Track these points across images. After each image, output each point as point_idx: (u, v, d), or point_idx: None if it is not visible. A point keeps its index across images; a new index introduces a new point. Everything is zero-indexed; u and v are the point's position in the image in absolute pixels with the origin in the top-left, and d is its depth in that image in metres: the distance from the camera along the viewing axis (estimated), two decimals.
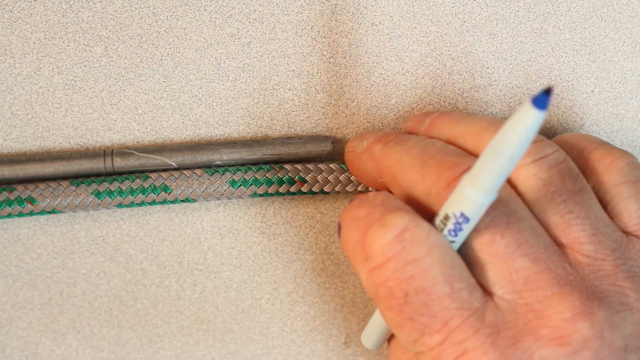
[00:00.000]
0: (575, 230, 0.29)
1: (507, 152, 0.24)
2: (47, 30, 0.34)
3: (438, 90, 0.36)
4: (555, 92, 0.36)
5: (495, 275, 0.28)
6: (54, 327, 0.38)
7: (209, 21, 0.35)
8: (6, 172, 0.34)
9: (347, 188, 0.35)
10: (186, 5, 0.35)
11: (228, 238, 0.37)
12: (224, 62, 0.35)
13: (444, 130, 0.33)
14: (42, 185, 0.35)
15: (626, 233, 0.30)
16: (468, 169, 0.28)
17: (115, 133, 0.36)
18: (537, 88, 0.36)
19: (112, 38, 0.35)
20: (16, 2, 0.34)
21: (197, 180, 0.35)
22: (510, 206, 0.28)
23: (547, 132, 0.37)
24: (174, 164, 0.35)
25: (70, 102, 0.35)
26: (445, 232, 0.27)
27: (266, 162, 0.35)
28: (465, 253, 0.28)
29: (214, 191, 0.35)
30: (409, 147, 0.31)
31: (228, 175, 0.35)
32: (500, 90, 0.36)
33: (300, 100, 0.36)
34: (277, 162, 0.35)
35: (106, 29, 0.35)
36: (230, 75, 0.35)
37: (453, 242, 0.28)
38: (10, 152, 0.35)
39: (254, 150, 0.35)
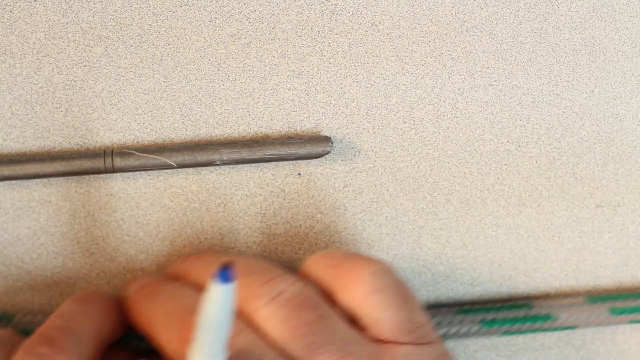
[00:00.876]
0: (322, 359, 0.29)
1: (212, 324, 0.26)
2: (47, 30, 0.34)
3: (438, 90, 0.36)
4: (555, 92, 0.36)
5: None
6: None
7: (209, 21, 0.35)
8: (6, 172, 0.34)
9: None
10: (186, 5, 0.35)
11: (228, 238, 0.37)
12: (224, 62, 0.35)
13: (198, 276, 0.33)
14: None
15: (382, 341, 0.30)
16: None
17: (115, 133, 0.36)
18: (537, 88, 0.36)
19: (112, 38, 0.35)
20: (16, 2, 0.34)
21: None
22: (254, 353, 0.29)
23: (547, 133, 0.37)
24: (174, 164, 0.35)
25: (70, 102, 0.35)
26: None
27: (266, 162, 0.36)
28: None
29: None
30: (158, 307, 0.32)
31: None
32: (500, 90, 0.36)
33: (300, 100, 0.36)
34: (277, 161, 0.36)
35: (106, 29, 0.35)
36: (230, 75, 0.35)
37: None
38: (10, 152, 0.35)
39: (254, 150, 0.35)
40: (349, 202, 0.37)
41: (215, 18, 0.35)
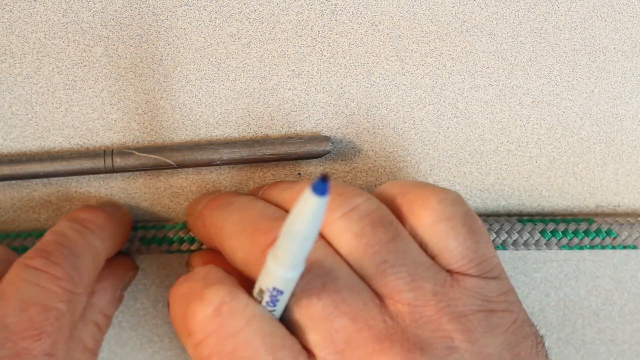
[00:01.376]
0: (392, 280, 0.28)
1: (299, 234, 0.25)
2: (47, 30, 0.34)
3: (438, 90, 0.36)
4: (555, 92, 0.36)
5: (316, 337, 0.28)
6: None
7: (209, 21, 0.35)
8: (6, 171, 0.34)
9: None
10: (186, 5, 0.35)
11: None
12: (224, 62, 0.35)
13: (274, 197, 0.33)
14: None
15: (450, 272, 0.30)
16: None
17: (115, 133, 0.35)
18: (537, 88, 0.36)
19: (112, 38, 0.35)
20: (16, 2, 0.34)
21: None
22: (325, 266, 0.28)
23: (547, 133, 0.37)
24: (173, 164, 0.35)
25: (70, 102, 0.35)
26: (264, 303, 0.28)
27: (266, 162, 0.36)
28: (286, 318, 0.28)
29: None
30: (230, 214, 0.31)
31: None
32: (500, 90, 0.36)
33: (300, 100, 0.36)
34: (277, 161, 0.36)
35: (106, 29, 0.35)
36: (230, 75, 0.35)
37: (273, 311, 0.28)
38: (10, 152, 0.35)
39: (254, 150, 0.35)
40: None
41: (215, 18, 0.35)
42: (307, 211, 0.24)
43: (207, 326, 0.27)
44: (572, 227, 0.36)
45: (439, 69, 0.36)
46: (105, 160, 0.34)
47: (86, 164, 0.35)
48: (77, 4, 0.34)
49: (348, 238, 0.29)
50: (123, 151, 0.35)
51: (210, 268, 0.29)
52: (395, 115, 0.36)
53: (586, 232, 0.36)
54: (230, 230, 0.31)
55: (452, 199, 0.30)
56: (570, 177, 0.38)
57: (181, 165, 0.35)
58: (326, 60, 0.35)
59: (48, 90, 0.35)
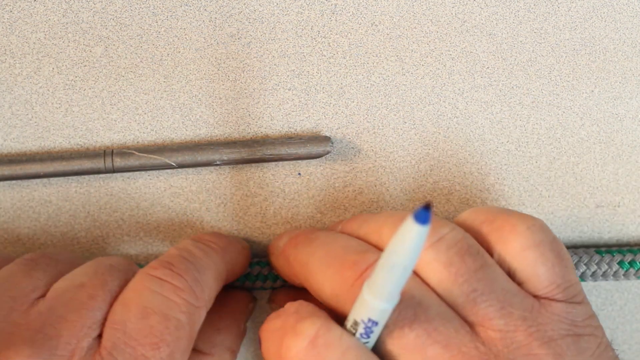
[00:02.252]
0: (482, 307, 0.29)
1: (400, 265, 0.25)
2: (47, 30, 0.34)
3: (438, 90, 0.36)
4: (555, 92, 0.36)
5: None
6: None
7: (209, 21, 0.35)
8: (6, 171, 0.34)
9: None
10: (186, 5, 0.35)
11: None
12: (224, 62, 0.35)
13: (355, 231, 0.33)
14: None
15: (537, 297, 0.30)
16: (368, 267, 0.29)
17: (115, 133, 0.36)
18: (537, 88, 0.36)
19: (112, 38, 0.35)
20: (16, 2, 0.34)
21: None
22: (415, 296, 0.29)
23: (547, 133, 0.37)
24: (174, 164, 0.35)
25: (70, 102, 0.35)
26: (358, 335, 0.28)
27: (266, 162, 0.36)
28: (379, 350, 0.28)
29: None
30: (315, 249, 0.32)
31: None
32: (500, 90, 0.36)
33: (300, 100, 0.36)
34: (277, 161, 0.36)
35: (106, 29, 0.35)
36: (230, 75, 0.35)
37: (367, 343, 0.28)
38: (11, 152, 0.35)
39: (254, 151, 0.35)
40: (349, 202, 0.37)
41: (215, 18, 0.35)
42: (409, 240, 0.24)
43: (303, 359, 0.28)
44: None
45: (439, 69, 0.36)
46: (105, 160, 0.34)
47: (86, 164, 0.35)
48: (77, 4, 0.34)
49: (437, 268, 0.29)
50: (123, 151, 0.35)
51: (301, 303, 0.30)
52: (395, 115, 0.36)
53: None
54: (317, 266, 0.31)
55: (540, 226, 0.31)
56: (570, 177, 0.38)
57: (181, 166, 0.35)
58: (326, 60, 0.35)
59: (48, 90, 0.35)
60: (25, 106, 0.35)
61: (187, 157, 0.35)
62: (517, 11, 0.35)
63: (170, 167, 0.35)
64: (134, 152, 0.35)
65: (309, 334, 0.28)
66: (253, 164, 0.36)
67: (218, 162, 0.35)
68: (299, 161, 0.36)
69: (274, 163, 0.36)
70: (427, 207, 0.23)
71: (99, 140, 0.36)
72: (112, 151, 0.35)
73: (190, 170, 0.36)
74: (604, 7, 0.36)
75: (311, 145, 0.35)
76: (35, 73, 0.35)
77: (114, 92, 0.35)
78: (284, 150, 0.35)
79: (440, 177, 0.37)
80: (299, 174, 0.37)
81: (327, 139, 0.35)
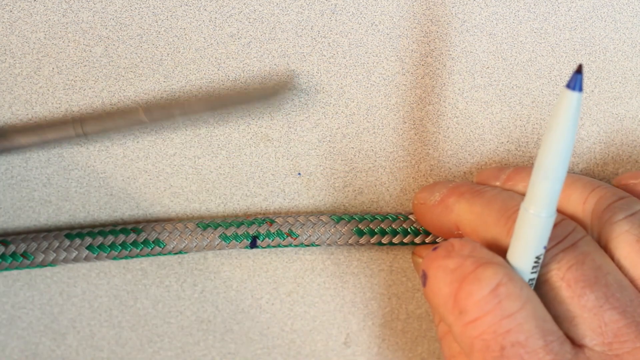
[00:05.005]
0: None
1: (560, 139, 0.25)
2: (47, 30, 0.34)
3: (438, 90, 0.36)
4: (555, 92, 0.36)
5: (586, 328, 0.29)
6: (54, 327, 0.38)
7: (209, 21, 0.35)
8: None
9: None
10: (186, 5, 0.35)
11: None
12: (224, 62, 0.35)
13: (521, 184, 0.34)
14: (37, 240, 0.35)
15: None
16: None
17: None
18: (537, 88, 0.36)
19: (112, 38, 0.35)
20: (16, 2, 0.34)
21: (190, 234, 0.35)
22: (596, 260, 0.29)
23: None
24: (146, 119, 0.34)
25: (70, 102, 0.35)
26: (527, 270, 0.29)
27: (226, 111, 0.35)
28: (555, 307, 0.29)
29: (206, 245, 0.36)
30: (489, 201, 0.32)
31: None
32: (500, 90, 0.36)
33: (300, 100, 0.36)
34: (238, 105, 0.35)
35: (106, 29, 0.35)
36: (230, 75, 0.35)
37: (533, 279, 0.29)
38: (11, 152, 0.35)
39: (215, 99, 0.35)
40: (349, 202, 0.37)
41: (215, 18, 0.35)
42: (566, 109, 0.24)
43: (484, 306, 0.28)
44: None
45: (439, 69, 0.36)
46: (75, 126, 0.34)
47: (56, 134, 0.34)
48: (77, 4, 0.34)
49: (628, 239, 0.30)
50: (92, 115, 0.35)
51: (475, 245, 0.30)
52: (395, 114, 0.36)
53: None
54: (494, 218, 0.31)
55: None
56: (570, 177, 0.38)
57: (153, 119, 0.34)
58: (326, 60, 0.35)
59: (48, 90, 0.35)
60: (25, 106, 0.35)
61: (157, 111, 0.34)
62: (517, 11, 0.35)
63: (142, 123, 0.34)
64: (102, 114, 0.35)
65: (492, 282, 0.28)
66: (250, 164, 0.36)
67: (178, 116, 0.34)
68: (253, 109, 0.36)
69: (277, 162, 0.36)
70: (579, 71, 0.23)
71: (99, 140, 0.36)
72: (81, 117, 0.35)
73: (190, 170, 0.36)
74: (604, 7, 0.36)
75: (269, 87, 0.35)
76: (35, 73, 0.35)
77: (114, 92, 0.35)
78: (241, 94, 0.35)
79: (441, 177, 0.37)
80: (299, 174, 0.37)
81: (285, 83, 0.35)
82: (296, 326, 0.39)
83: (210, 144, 0.36)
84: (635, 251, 0.30)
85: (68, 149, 0.36)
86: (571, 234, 0.30)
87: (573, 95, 0.24)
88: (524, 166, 0.36)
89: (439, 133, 0.37)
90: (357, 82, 0.36)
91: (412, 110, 0.36)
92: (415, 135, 0.36)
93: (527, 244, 0.28)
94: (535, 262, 0.29)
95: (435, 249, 0.30)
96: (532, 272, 0.29)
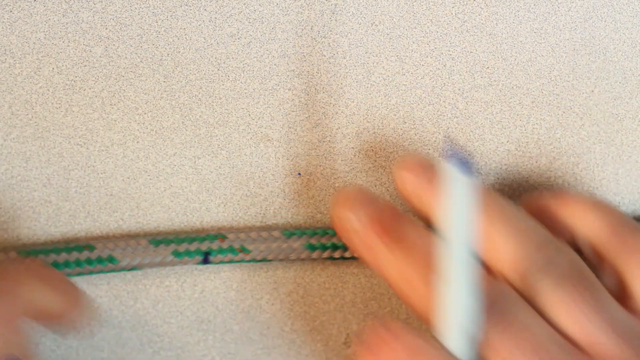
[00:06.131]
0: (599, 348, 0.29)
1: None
2: (47, 30, 0.34)
3: (438, 90, 0.36)
4: (555, 92, 0.36)
5: None
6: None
7: (209, 21, 0.35)
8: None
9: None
10: (186, 5, 0.35)
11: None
12: (224, 62, 0.35)
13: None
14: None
15: None
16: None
17: (115, 133, 0.35)
18: (537, 88, 0.36)
19: (112, 38, 0.35)
20: (16, 2, 0.34)
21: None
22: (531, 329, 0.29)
23: (547, 133, 0.37)
24: None
25: (70, 102, 0.35)
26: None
27: None
28: None
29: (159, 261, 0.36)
30: (410, 251, 0.31)
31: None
32: (500, 90, 0.36)
33: (300, 100, 0.36)
34: None
35: (106, 29, 0.35)
36: (230, 75, 0.35)
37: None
38: (11, 152, 0.35)
39: None
40: None
41: (215, 18, 0.35)
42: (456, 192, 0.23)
43: None
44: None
45: (439, 69, 0.36)
46: None
47: None
48: (77, 4, 0.34)
49: (552, 298, 0.29)
50: None
51: (405, 336, 0.29)
52: (395, 115, 0.36)
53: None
54: (417, 276, 0.30)
55: None
56: (570, 177, 0.38)
57: None
58: (326, 60, 0.35)
59: (48, 90, 0.35)
60: (25, 106, 0.35)
61: None
62: (517, 11, 0.35)
63: None
64: None
65: None
66: (250, 164, 0.36)
67: None
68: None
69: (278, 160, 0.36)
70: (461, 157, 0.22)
71: (99, 140, 0.36)
72: None
73: (190, 170, 0.36)
74: (604, 7, 0.36)
75: None
76: (35, 73, 0.35)
77: (114, 92, 0.35)
78: None
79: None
80: (299, 174, 0.36)
81: None
82: (296, 326, 0.39)
83: (210, 144, 0.36)
84: (567, 309, 0.29)
85: (68, 149, 0.36)
86: (500, 302, 0.29)
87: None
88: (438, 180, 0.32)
89: (439, 133, 0.36)
90: (357, 82, 0.36)
91: (412, 110, 0.36)
92: (415, 135, 0.36)
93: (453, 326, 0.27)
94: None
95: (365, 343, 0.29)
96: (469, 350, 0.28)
